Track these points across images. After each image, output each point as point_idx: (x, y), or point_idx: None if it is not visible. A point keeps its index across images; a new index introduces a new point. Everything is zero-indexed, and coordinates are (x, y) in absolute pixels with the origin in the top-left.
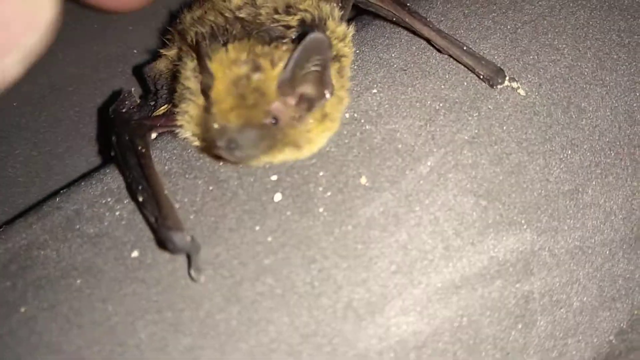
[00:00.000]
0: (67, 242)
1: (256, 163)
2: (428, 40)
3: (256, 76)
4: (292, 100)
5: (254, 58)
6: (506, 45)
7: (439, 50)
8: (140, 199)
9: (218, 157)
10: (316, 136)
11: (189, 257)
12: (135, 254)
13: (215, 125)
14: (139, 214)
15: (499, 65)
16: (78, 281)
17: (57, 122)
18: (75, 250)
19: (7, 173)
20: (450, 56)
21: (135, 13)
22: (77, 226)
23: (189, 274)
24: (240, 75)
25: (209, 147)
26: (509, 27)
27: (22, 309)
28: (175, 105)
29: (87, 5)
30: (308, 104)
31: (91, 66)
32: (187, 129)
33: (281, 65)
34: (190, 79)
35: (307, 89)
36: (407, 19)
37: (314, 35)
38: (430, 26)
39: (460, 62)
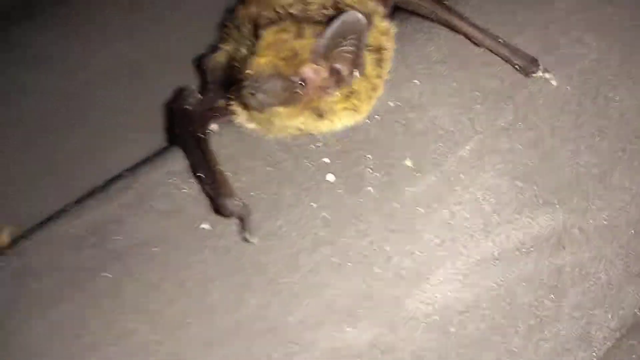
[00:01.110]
0: (142, 216)
1: (280, 122)
2: (466, 35)
3: (296, 41)
4: (323, 71)
5: (299, 29)
6: (539, 39)
7: (476, 44)
8: (200, 176)
9: (245, 107)
10: (339, 110)
11: (242, 221)
12: (205, 225)
13: (248, 72)
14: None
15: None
16: (154, 249)
17: (107, 115)
18: (150, 224)
19: (59, 161)
20: (487, 48)
21: (190, 6)
22: (150, 203)
23: (244, 236)
24: (283, 39)
25: (238, 97)
26: (541, 22)
27: (103, 274)
28: (231, 96)
29: None
30: (337, 78)
31: (140, 61)
32: (239, 114)
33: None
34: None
35: (339, 64)
36: (445, 16)
37: (351, 12)
38: (468, 22)
39: (496, 54)
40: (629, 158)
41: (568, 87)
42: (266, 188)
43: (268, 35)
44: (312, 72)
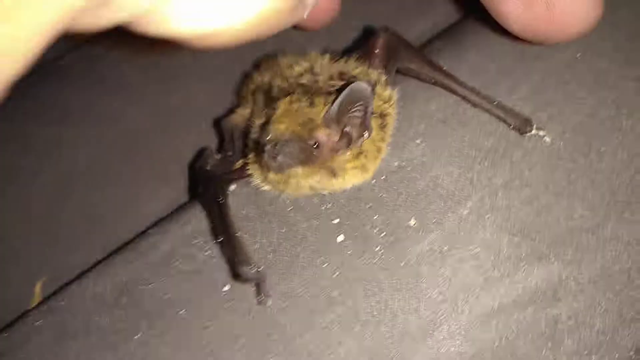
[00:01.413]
0: (168, 278)
1: (296, 183)
2: (463, 98)
3: (309, 109)
4: (334, 135)
5: (311, 99)
6: (533, 96)
7: (473, 105)
8: (220, 240)
9: (264, 168)
10: (349, 169)
11: (257, 286)
12: (227, 287)
13: (267, 137)
14: None
15: (527, 115)
16: (182, 312)
17: (141, 166)
18: (176, 285)
19: (93, 214)
20: (484, 109)
21: (209, 65)
22: (175, 264)
23: (258, 300)
24: (297, 108)
25: (258, 161)
26: (536, 78)
27: (136, 336)
28: (247, 158)
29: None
30: (348, 141)
31: (165, 115)
32: (256, 176)
33: (330, 105)
34: (257, 133)
35: (349, 128)
36: (444, 81)
37: (358, 83)
38: (465, 86)
39: (492, 115)
40: (621, 209)
41: (561, 144)
42: (282, 250)
43: (283, 104)
44: (325, 135)
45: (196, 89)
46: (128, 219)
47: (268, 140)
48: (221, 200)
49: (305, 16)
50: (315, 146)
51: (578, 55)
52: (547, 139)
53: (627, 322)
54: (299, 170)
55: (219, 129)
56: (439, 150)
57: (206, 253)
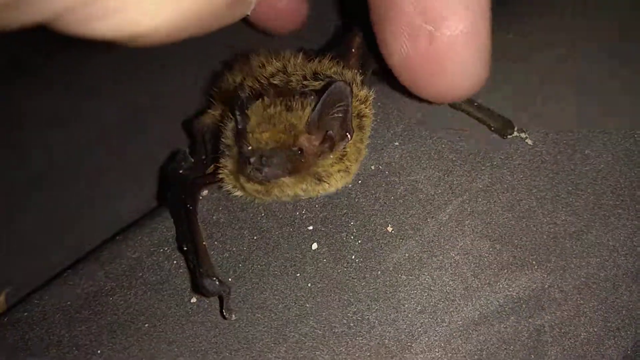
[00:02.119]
0: (132, 289)
1: (280, 191)
2: None
3: (288, 114)
4: (316, 140)
5: (286, 102)
6: (515, 97)
7: (453, 107)
8: (185, 248)
9: (247, 182)
10: (334, 173)
11: (221, 300)
12: (193, 299)
13: (249, 147)
14: None
15: (508, 116)
16: (146, 325)
17: (108, 168)
18: (141, 296)
19: (62, 217)
20: (464, 112)
21: (178, 64)
22: (140, 274)
23: (222, 313)
24: (273, 114)
25: (241, 172)
26: (517, 78)
27: (99, 351)
28: (218, 162)
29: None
30: (330, 144)
31: (136, 114)
32: (228, 182)
33: (309, 108)
34: (229, 138)
35: (331, 131)
36: None
37: (338, 84)
38: None
39: (472, 117)
40: (606, 214)
41: (544, 146)
42: (253, 258)
43: (256, 109)
44: (307, 141)
45: (168, 88)
46: (96, 224)
47: (251, 150)
48: (190, 206)
49: (249, 12)
50: (299, 153)
51: (561, 54)
52: (529, 141)
53: (612, 332)
54: (286, 180)
55: (188, 129)
56: (418, 153)
57: (174, 262)
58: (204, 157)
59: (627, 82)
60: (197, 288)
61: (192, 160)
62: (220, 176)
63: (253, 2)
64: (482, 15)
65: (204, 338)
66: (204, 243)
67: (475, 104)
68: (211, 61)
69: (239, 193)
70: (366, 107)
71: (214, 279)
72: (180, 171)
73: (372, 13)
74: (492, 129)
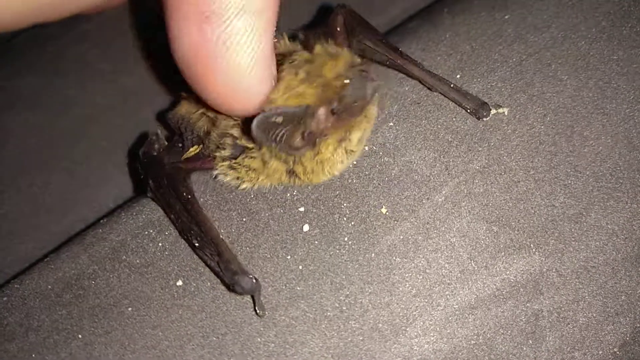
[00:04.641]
0: (115, 272)
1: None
2: (419, 80)
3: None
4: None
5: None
6: (512, 77)
7: (429, 88)
8: (196, 244)
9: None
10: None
11: (252, 297)
12: (179, 282)
13: (346, 81)
14: (180, 245)
15: (505, 98)
16: (129, 309)
17: (91, 153)
18: (124, 280)
19: (44, 202)
20: (440, 93)
21: (154, 47)
22: (124, 257)
23: (255, 311)
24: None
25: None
26: (514, 59)
27: (80, 336)
28: (206, 148)
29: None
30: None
31: (120, 98)
32: (244, 178)
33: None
34: (242, 139)
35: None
36: (399, 61)
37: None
38: (420, 67)
39: (448, 98)
40: (605, 197)
41: (542, 127)
42: (242, 241)
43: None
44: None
45: (153, 71)
46: (79, 209)
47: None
48: (186, 195)
49: None
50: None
51: (558, 35)
52: (506, 111)
53: (611, 317)
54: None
55: (163, 122)
56: (413, 133)
57: (159, 245)
58: (180, 145)
59: (626, 64)
60: (231, 287)
61: (166, 143)
62: (219, 167)
63: None
64: (261, 15)
65: (190, 322)
66: (221, 236)
67: (452, 85)
68: None
69: (228, 178)
70: None
71: (251, 276)
72: (155, 153)
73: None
74: (468, 110)
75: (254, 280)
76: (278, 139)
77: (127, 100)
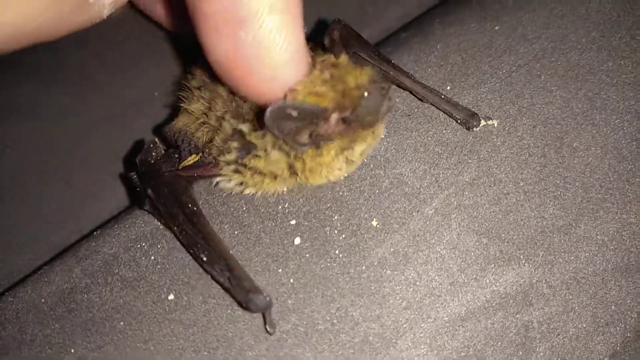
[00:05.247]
0: (108, 285)
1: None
2: (411, 91)
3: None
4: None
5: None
6: (502, 89)
7: (420, 99)
8: (204, 259)
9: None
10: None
11: (263, 314)
12: (171, 296)
13: (365, 94)
14: (172, 258)
15: (495, 109)
16: (121, 323)
17: (89, 163)
18: (116, 293)
19: (42, 212)
20: (431, 103)
21: (153, 56)
22: (116, 270)
23: (266, 329)
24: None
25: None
26: (504, 71)
27: (72, 350)
28: (207, 155)
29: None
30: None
31: (118, 108)
32: (248, 182)
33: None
34: (251, 135)
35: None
36: (391, 73)
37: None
38: (412, 78)
39: (439, 109)
40: (594, 208)
41: (532, 139)
42: (234, 254)
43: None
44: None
45: (152, 81)
46: (76, 220)
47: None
48: (191, 206)
49: (105, 15)
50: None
51: (548, 46)
52: (495, 123)
53: (601, 327)
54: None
55: (161, 136)
56: (403, 145)
57: (151, 258)
58: (176, 155)
59: (616, 74)
60: (244, 304)
61: (164, 151)
62: (225, 173)
63: (107, 5)
64: (289, 12)
65: (181, 336)
66: (230, 252)
67: (442, 96)
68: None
69: (253, 190)
70: None
71: (265, 294)
72: (152, 161)
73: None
74: (459, 121)
75: (268, 298)
76: (286, 131)
77: (125, 111)
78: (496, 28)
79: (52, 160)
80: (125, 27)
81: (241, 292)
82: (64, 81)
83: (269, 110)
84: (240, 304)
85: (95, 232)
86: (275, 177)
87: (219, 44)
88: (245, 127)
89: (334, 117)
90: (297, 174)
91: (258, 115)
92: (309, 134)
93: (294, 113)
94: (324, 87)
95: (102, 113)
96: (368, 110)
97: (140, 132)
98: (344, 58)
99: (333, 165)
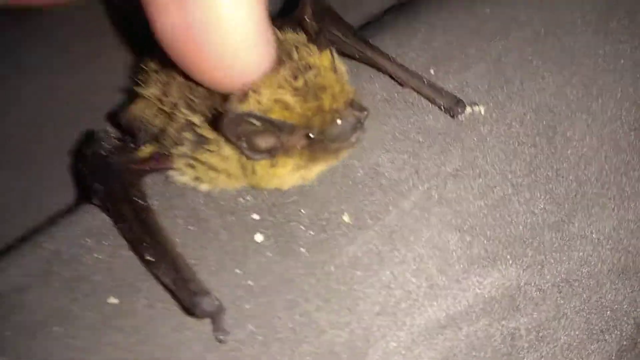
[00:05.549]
0: (47, 286)
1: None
2: (390, 74)
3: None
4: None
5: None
6: (490, 74)
7: (400, 84)
8: (149, 258)
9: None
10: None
11: (214, 321)
12: (113, 300)
13: (338, 122)
14: (117, 257)
15: (483, 95)
16: (56, 328)
17: (43, 153)
18: (54, 295)
19: None
20: (412, 89)
21: (120, 42)
22: (56, 269)
23: (215, 336)
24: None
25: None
26: (493, 54)
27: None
28: (162, 147)
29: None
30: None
31: (76, 96)
32: (203, 177)
33: None
34: (203, 128)
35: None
36: (369, 54)
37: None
38: (392, 61)
39: (421, 94)
40: (589, 203)
41: (521, 127)
42: (187, 252)
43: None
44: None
45: (106, 67)
46: (29, 213)
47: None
48: (140, 201)
49: None
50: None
51: (541, 30)
52: (482, 110)
53: (595, 335)
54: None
55: (116, 122)
56: (380, 133)
57: (95, 256)
58: (132, 145)
59: (613, 59)
60: (190, 309)
61: (117, 142)
62: (178, 166)
63: None
64: None
65: (122, 346)
66: (178, 250)
67: (425, 80)
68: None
69: (206, 187)
70: None
71: (212, 297)
72: (104, 153)
73: None
74: (442, 108)
75: (217, 302)
76: (242, 137)
77: (85, 99)
78: (486, 11)
79: (3, 148)
80: (88, 14)
81: (186, 294)
82: (21, 67)
83: (227, 118)
84: (185, 309)
85: (43, 227)
86: (229, 175)
87: (165, 17)
88: (197, 119)
89: (299, 135)
90: (247, 176)
91: (211, 109)
92: (266, 145)
93: (255, 122)
94: (295, 99)
95: (59, 100)
96: (336, 138)
97: (100, 122)
98: (325, 58)
99: (286, 180)
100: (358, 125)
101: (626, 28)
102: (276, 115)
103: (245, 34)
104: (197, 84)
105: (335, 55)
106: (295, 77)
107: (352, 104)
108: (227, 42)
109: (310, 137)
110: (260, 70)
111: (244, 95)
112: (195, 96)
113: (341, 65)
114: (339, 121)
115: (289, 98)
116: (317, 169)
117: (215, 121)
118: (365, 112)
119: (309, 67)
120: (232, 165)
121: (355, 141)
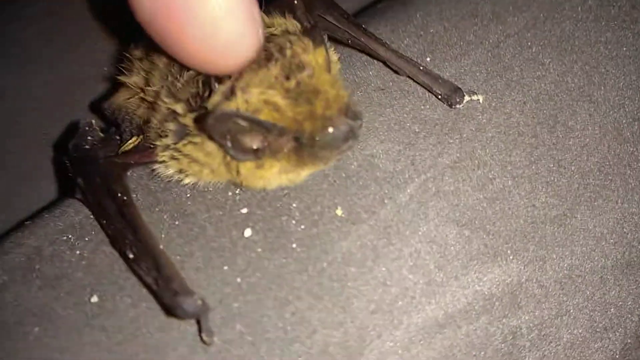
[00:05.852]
0: (26, 284)
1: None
2: (385, 61)
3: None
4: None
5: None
6: (488, 61)
7: (395, 72)
8: (131, 256)
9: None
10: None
11: (198, 321)
12: (95, 299)
13: (329, 130)
14: (100, 253)
15: (481, 84)
16: (36, 329)
17: (27, 145)
18: (34, 293)
19: None
20: (408, 76)
21: (104, 30)
22: (37, 266)
23: (200, 337)
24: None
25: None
26: (491, 41)
27: None
28: (148, 139)
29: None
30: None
31: (61, 87)
32: (187, 170)
33: None
34: (186, 117)
35: None
36: (362, 40)
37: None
38: (387, 47)
39: (417, 82)
40: (592, 196)
41: (521, 116)
42: (172, 247)
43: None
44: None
45: (89, 57)
46: (12, 207)
47: (338, 129)
48: (122, 196)
49: None
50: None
51: (541, 14)
52: (481, 98)
53: (599, 333)
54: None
55: (100, 112)
56: (375, 123)
57: (77, 252)
58: (118, 137)
59: (615, 47)
60: (171, 310)
61: (102, 134)
62: (161, 158)
63: None
64: None
65: (104, 346)
66: (161, 247)
67: (421, 67)
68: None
69: (190, 179)
70: None
71: (195, 297)
72: (87, 146)
73: None
74: (440, 96)
75: (200, 302)
76: (228, 138)
77: (70, 90)
78: None
79: None
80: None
81: (167, 294)
82: (2, 58)
83: (212, 116)
84: (166, 309)
85: (26, 222)
86: (213, 171)
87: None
88: (180, 107)
89: (288, 138)
90: (231, 173)
91: (195, 97)
92: (252, 146)
93: (243, 123)
94: (286, 102)
95: (42, 92)
96: (326, 146)
97: (84, 113)
98: (319, 55)
99: (272, 181)
100: (350, 134)
101: (628, 15)
102: (265, 116)
103: (226, 1)
104: (182, 67)
105: (330, 48)
106: (287, 77)
107: (347, 111)
108: (208, 8)
109: (299, 140)
110: (245, 46)
111: (230, 92)
112: (178, 81)
113: (335, 61)
114: (330, 129)
115: (279, 100)
116: (304, 173)
117: (200, 119)
118: (360, 122)
119: (302, 66)
120: (215, 161)
121: (346, 149)
